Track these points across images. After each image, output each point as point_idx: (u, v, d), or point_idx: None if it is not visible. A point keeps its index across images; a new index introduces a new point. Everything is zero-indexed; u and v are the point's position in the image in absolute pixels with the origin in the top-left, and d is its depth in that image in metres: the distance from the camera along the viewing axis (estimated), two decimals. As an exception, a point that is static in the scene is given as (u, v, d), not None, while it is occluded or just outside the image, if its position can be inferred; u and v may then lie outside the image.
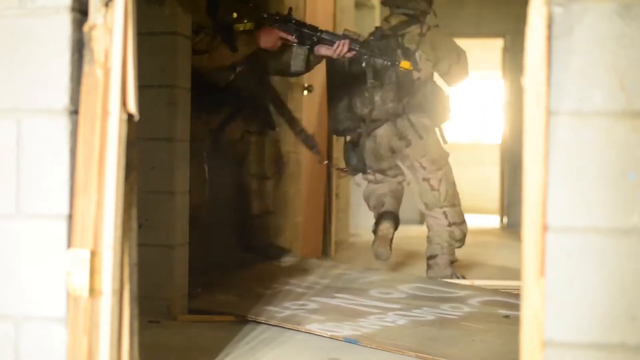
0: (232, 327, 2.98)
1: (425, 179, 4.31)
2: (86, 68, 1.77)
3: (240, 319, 3.10)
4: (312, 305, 3.29)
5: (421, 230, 7.84)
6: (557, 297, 1.54)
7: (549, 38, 1.56)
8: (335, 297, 3.45)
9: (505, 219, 8.59)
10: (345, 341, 2.76)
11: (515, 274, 4.36)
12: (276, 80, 4.57)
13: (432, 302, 3.39)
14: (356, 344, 2.73)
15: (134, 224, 1.81)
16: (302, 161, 5.10)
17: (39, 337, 1.79)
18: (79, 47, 1.80)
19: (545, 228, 1.55)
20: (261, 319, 3.05)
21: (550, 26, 1.56)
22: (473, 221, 9.50)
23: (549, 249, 1.55)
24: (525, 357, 1.56)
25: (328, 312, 3.16)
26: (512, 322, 3.03)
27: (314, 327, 2.91)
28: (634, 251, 1.53)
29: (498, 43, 9.34)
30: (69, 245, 1.76)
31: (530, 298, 1.55)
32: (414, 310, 3.23)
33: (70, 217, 1.78)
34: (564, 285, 1.54)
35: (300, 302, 3.34)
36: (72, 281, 1.72)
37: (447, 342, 2.72)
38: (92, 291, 1.72)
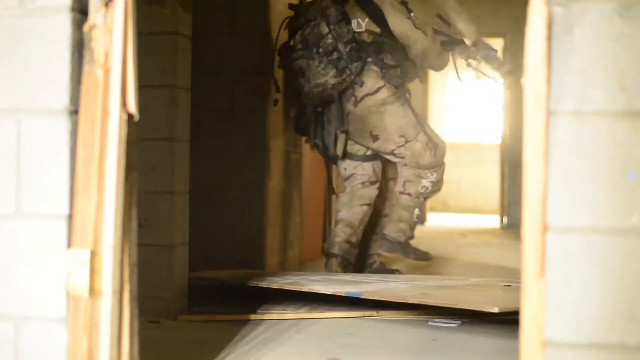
0: (232, 327, 2.98)
1: None
2: (86, 68, 1.78)
3: (240, 317, 3.11)
4: (314, 278, 3.33)
5: (421, 230, 7.84)
6: (557, 297, 1.54)
7: (549, 38, 1.56)
8: (335, 278, 3.51)
9: (505, 219, 8.60)
10: (347, 295, 2.76)
11: (515, 274, 4.37)
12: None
13: (434, 281, 3.45)
14: (358, 296, 2.73)
15: (134, 224, 1.81)
16: (302, 161, 5.11)
17: (39, 337, 1.79)
18: (79, 47, 1.80)
19: (545, 228, 1.55)
20: (263, 283, 3.05)
21: (550, 26, 1.56)
22: (473, 221, 9.52)
23: (549, 249, 1.55)
24: (525, 357, 1.56)
25: (330, 282, 3.21)
26: (513, 288, 3.10)
27: (315, 287, 2.93)
28: (634, 251, 1.53)
29: (498, 43, 9.34)
30: (69, 245, 1.76)
31: (530, 298, 1.55)
32: (417, 281, 3.29)
33: (70, 217, 1.78)
34: (563, 285, 1.54)
35: (302, 276, 3.39)
36: (72, 281, 1.72)
37: (450, 296, 2.79)
38: (92, 291, 1.72)
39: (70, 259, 1.73)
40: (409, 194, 4.10)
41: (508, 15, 8.20)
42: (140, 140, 2.01)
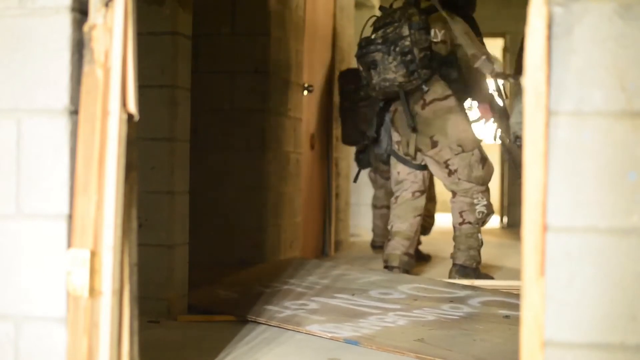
0: (232, 327, 2.98)
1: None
2: (86, 68, 1.77)
3: (241, 319, 3.11)
4: (312, 305, 3.29)
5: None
6: (557, 297, 1.54)
7: (549, 38, 1.56)
8: (335, 297, 3.45)
9: (505, 219, 8.59)
10: (345, 342, 2.76)
11: (515, 274, 4.36)
12: (276, 79, 4.58)
13: (432, 303, 3.38)
14: (356, 344, 2.73)
15: (134, 224, 1.81)
16: (302, 161, 5.11)
17: (39, 337, 1.79)
18: (79, 47, 1.80)
19: (545, 228, 1.55)
20: (261, 319, 3.05)
21: (550, 26, 1.56)
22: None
23: (548, 248, 1.55)
24: (525, 357, 1.56)
25: (328, 313, 3.16)
26: (512, 322, 3.03)
27: (314, 328, 2.91)
28: (634, 251, 1.52)
29: (498, 43, 9.34)
30: (69, 245, 1.76)
31: (530, 298, 1.55)
32: (414, 311, 3.23)
33: (70, 217, 1.78)
34: (563, 285, 1.54)
35: (300, 302, 3.34)
36: (72, 281, 1.72)
37: (448, 343, 2.72)
38: (92, 291, 1.72)
39: (70, 259, 1.73)
40: (470, 222, 4.26)
41: (508, 15, 8.20)
42: (140, 140, 2.01)
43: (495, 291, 3.62)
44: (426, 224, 5.17)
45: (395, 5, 4.34)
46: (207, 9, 4.36)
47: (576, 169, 1.55)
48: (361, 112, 5.31)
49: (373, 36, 4.17)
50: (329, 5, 5.78)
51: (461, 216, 4.26)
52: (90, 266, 1.71)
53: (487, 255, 5.62)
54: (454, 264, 4.26)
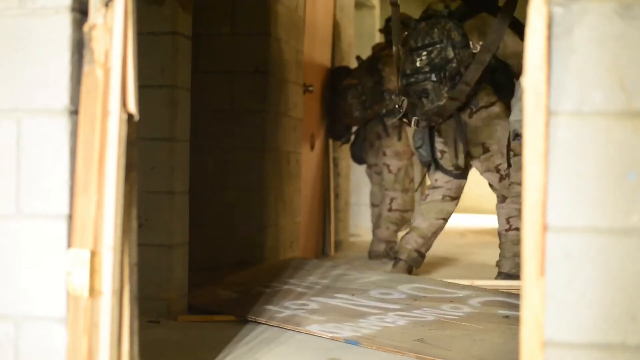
0: (232, 327, 2.98)
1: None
2: (86, 68, 1.78)
3: (241, 319, 3.11)
4: (312, 305, 3.29)
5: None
6: (557, 297, 1.54)
7: (549, 38, 1.56)
8: (335, 297, 3.45)
9: (505, 219, 8.56)
10: (345, 342, 2.76)
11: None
12: (275, 79, 4.59)
13: (432, 303, 3.38)
14: (356, 345, 2.73)
15: (134, 224, 1.81)
16: (302, 161, 5.11)
17: (39, 337, 1.79)
18: (79, 47, 1.80)
19: (545, 228, 1.55)
20: (261, 319, 3.05)
21: (550, 26, 1.56)
22: (473, 221, 9.51)
23: (548, 248, 1.55)
24: (525, 358, 1.56)
25: (328, 313, 3.16)
26: (512, 322, 3.03)
27: (314, 328, 2.91)
28: (634, 251, 1.53)
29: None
30: (69, 245, 1.76)
31: (530, 298, 1.55)
32: (414, 311, 3.23)
33: (70, 217, 1.78)
34: (563, 285, 1.54)
35: (300, 302, 3.34)
36: (72, 281, 1.72)
37: (448, 343, 2.72)
38: (92, 291, 1.72)
39: (70, 259, 1.73)
40: (517, 229, 4.19)
41: (508, 15, 8.18)
42: (140, 140, 2.01)
43: (495, 291, 3.62)
44: (407, 217, 5.30)
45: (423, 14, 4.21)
46: (207, 9, 4.36)
47: (576, 169, 1.55)
48: (344, 107, 5.39)
49: (418, 63, 4.08)
50: (329, 5, 5.78)
51: (508, 222, 4.21)
52: (90, 266, 1.71)
53: (488, 255, 5.62)
54: (499, 273, 4.20)
